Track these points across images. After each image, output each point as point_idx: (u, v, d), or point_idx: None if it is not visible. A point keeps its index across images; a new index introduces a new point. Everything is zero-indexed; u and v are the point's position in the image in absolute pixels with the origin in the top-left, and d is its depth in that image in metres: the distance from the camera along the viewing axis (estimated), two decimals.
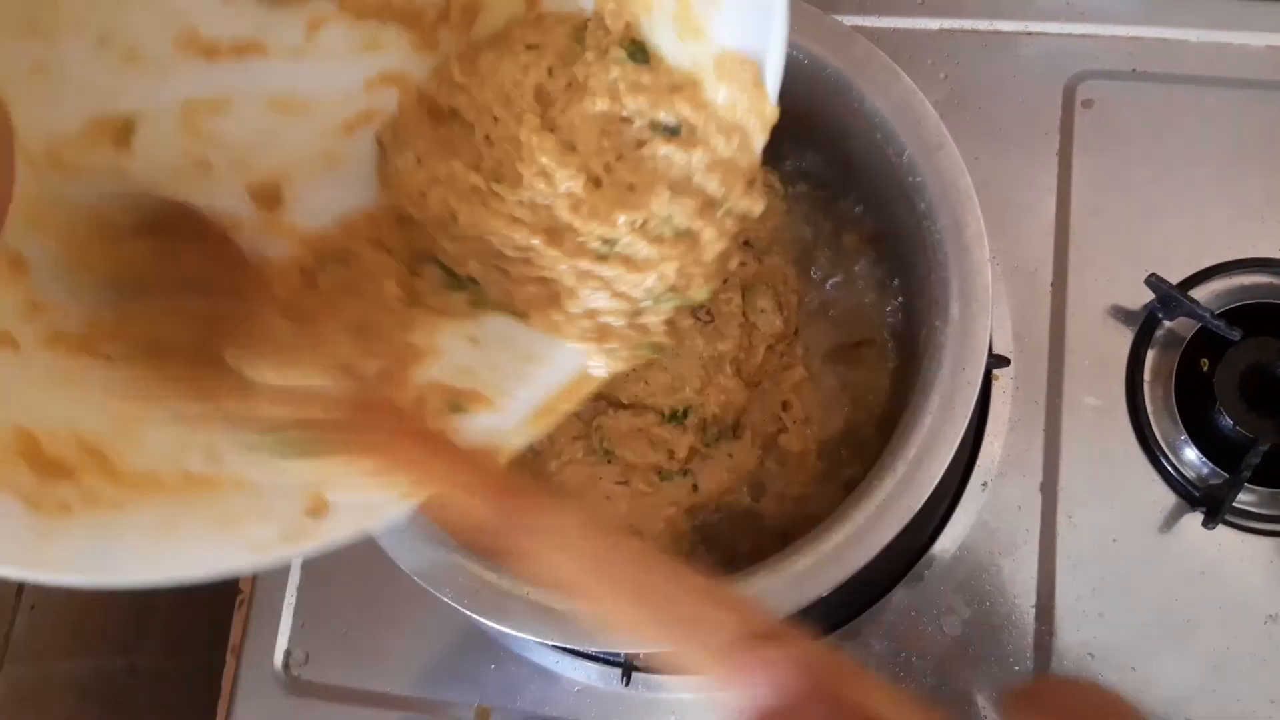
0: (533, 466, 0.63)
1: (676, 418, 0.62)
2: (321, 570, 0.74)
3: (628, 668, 0.67)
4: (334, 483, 0.42)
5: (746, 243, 0.68)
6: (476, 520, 0.41)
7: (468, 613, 0.53)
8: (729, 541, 0.63)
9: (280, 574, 0.75)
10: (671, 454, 0.62)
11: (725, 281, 0.63)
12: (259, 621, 0.74)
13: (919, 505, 0.53)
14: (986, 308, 0.54)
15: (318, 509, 0.42)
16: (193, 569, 0.41)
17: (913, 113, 0.57)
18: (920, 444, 0.53)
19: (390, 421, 0.45)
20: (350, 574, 0.73)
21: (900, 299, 0.65)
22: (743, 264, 0.67)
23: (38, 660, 0.73)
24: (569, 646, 0.61)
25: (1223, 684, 0.64)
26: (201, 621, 0.86)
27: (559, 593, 0.43)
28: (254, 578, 0.76)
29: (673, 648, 0.38)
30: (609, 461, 0.62)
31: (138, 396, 0.43)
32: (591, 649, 0.52)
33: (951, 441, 0.53)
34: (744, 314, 0.63)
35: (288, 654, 0.73)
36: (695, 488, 0.63)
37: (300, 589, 0.74)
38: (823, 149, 0.65)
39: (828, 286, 0.68)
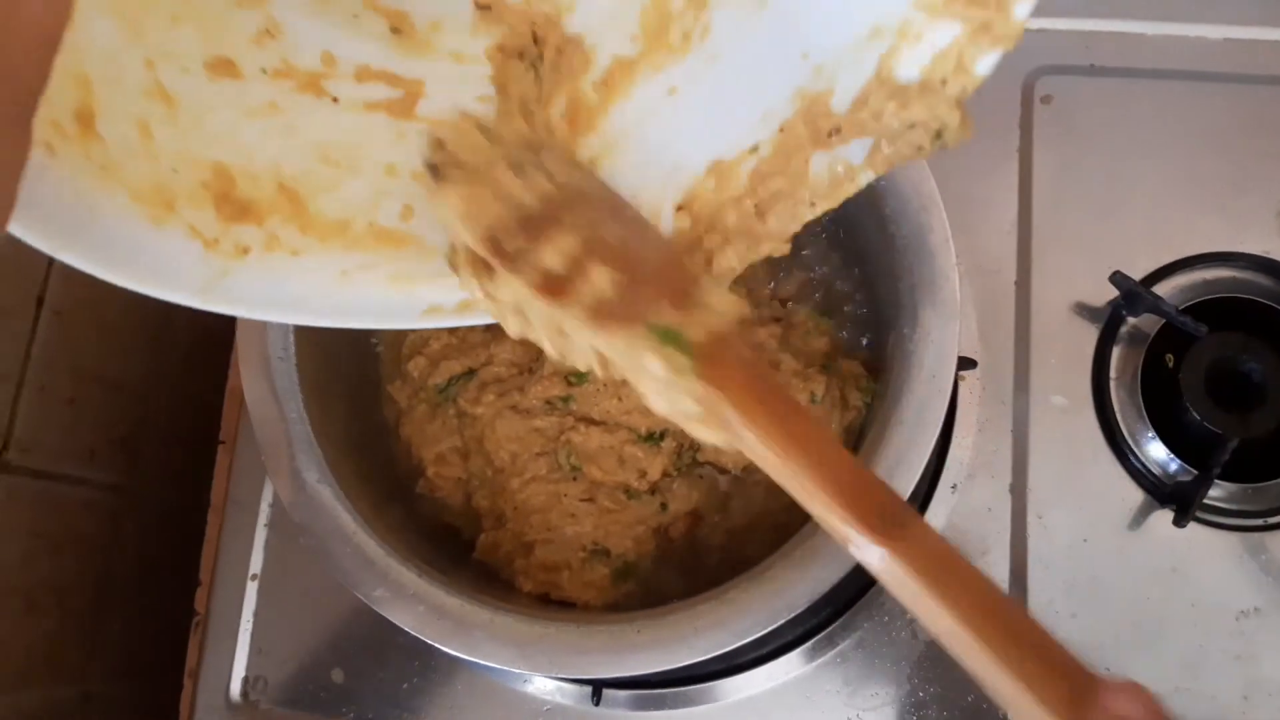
0: (494, 484, 0.61)
1: (653, 439, 0.60)
2: (277, 594, 0.72)
3: (598, 685, 0.65)
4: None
5: None
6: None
7: (430, 641, 0.51)
8: (699, 559, 0.61)
9: (235, 598, 0.72)
10: (643, 474, 0.60)
11: None
12: (215, 645, 0.72)
13: None
14: (955, 314, 0.53)
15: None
16: (361, 319, 0.43)
17: None
18: (892, 454, 0.52)
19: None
20: (307, 597, 0.71)
21: (866, 307, 0.64)
22: None
23: None
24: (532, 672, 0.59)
25: (1196, 681, 0.64)
26: (154, 645, 0.83)
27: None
28: (208, 600, 0.73)
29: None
30: (574, 479, 0.60)
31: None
32: (556, 675, 0.50)
33: (923, 452, 0.52)
34: None
35: (245, 681, 0.71)
36: (664, 507, 0.61)
37: (256, 614, 0.72)
38: None
39: (792, 297, 0.67)
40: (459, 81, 0.47)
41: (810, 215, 0.43)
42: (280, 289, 0.42)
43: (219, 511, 0.76)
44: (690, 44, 0.44)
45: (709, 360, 0.41)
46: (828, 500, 0.39)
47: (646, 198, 0.45)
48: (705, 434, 0.42)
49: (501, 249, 0.42)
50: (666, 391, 0.41)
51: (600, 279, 0.42)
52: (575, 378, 0.61)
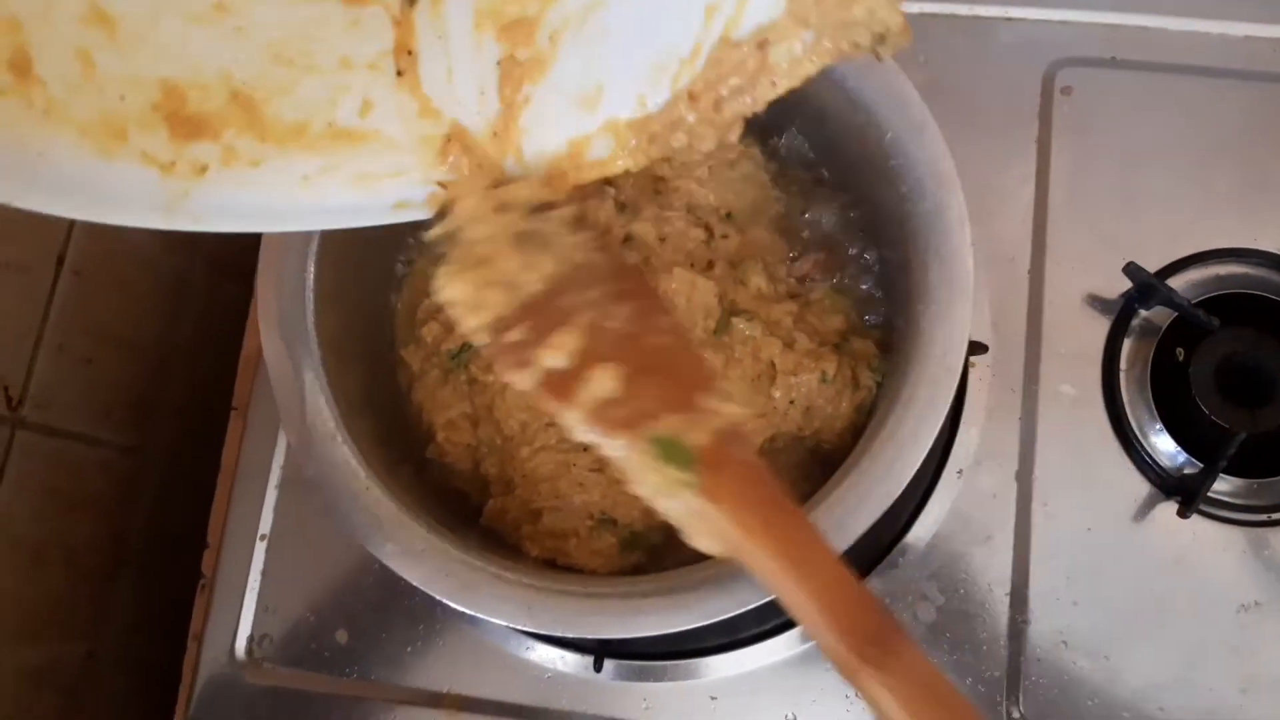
0: (503, 452, 0.61)
1: None
2: (285, 555, 0.73)
3: (599, 654, 0.66)
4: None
5: (728, 215, 0.66)
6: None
7: (437, 596, 0.52)
8: None
9: (243, 559, 0.73)
10: None
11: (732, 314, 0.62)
12: (221, 606, 0.73)
13: (898, 492, 0.52)
14: (968, 293, 0.53)
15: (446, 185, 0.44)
16: (330, 220, 0.43)
17: (896, 95, 0.56)
18: (900, 430, 0.52)
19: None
20: (314, 558, 0.72)
21: (881, 286, 0.65)
22: (724, 236, 0.66)
23: None
24: (538, 632, 0.59)
25: (1195, 673, 0.65)
26: (163, 606, 0.84)
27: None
28: (216, 561, 0.74)
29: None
30: (584, 448, 0.60)
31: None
32: (562, 634, 0.51)
33: (932, 428, 0.52)
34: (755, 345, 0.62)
35: (250, 639, 0.72)
36: None
37: (264, 573, 0.72)
38: (805, 129, 0.65)
39: (809, 274, 0.67)
40: None
41: (773, 94, 0.44)
42: (244, 200, 0.42)
43: (229, 476, 0.77)
44: None
45: (709, 470, 0.42)
46: (823, 624, 0.40)
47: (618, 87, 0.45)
48: (703, 543, 0.43)
49: (507, 342, 0.43)
50: (663, 498, 0.43)
51: (603, 382, 0.43)
52: None
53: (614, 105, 0.45)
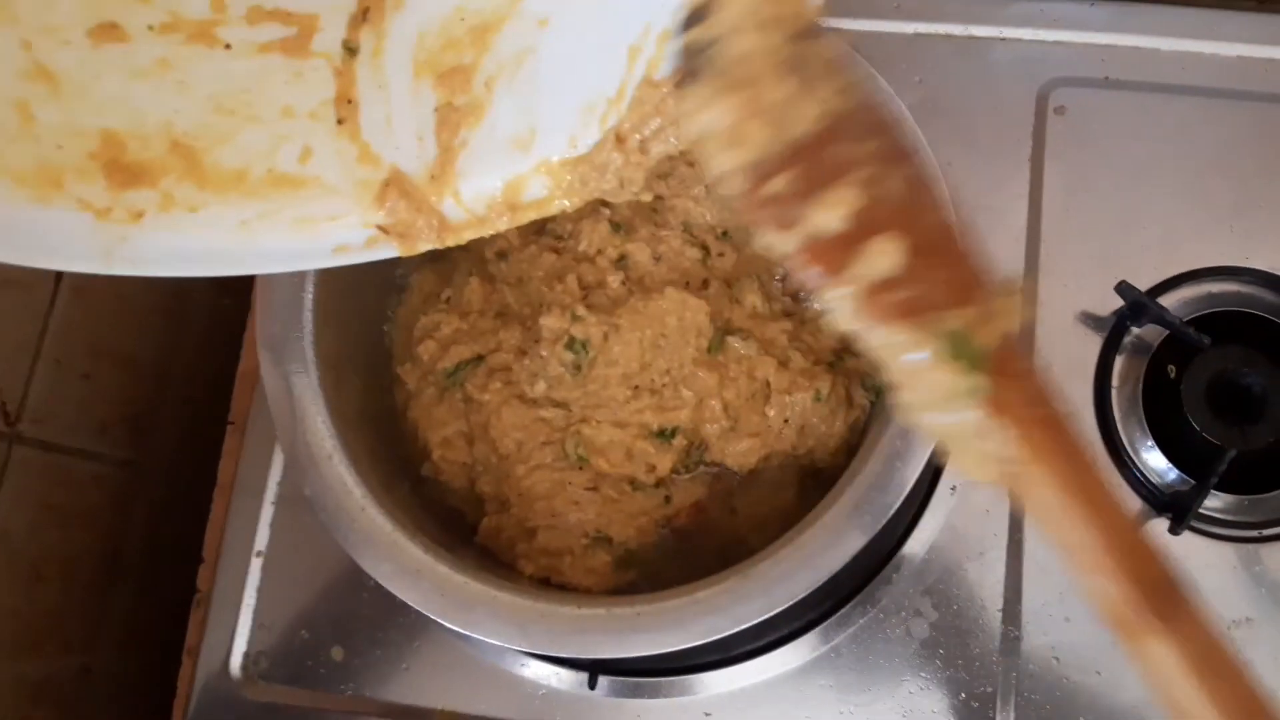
0: (497, 470, 0.62)
1: (664, 435, 0.61)
2: (281, 571, 0.73)
3: (594, 671, 0.66)
4: None
5: (724, 233, 0.67)
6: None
7: (432, 616, 0.52)
8: (700, 551, 0.62)
9: (239, 574, 0.73)
10: (651, 468, 0.61)
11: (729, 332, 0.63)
12: (217, 622, 0.73)
13: (892, 511, 0.52)
14: None
15: (388, 227, 0.44)
16: (269, 264, 0.44)
17: (888, 117, 0.57)
18: (894, 449, 0.53)
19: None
20: (310, 575, 0.72)
21: None
22: (720, 254, 0.66)
23: None
24: (536, 652, 0.60)
25: None
26: (158, 620, 0.84)
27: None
28: (213, 577, 0.74)
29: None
30: (580, 468, 0.61)
31: None
32: (556, 654, 0.51)
33: (925, 448, 0.52)
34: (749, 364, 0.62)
35: (246, 656, 0.72)
36: (668, 499, 0.62)
37: (259, 590, 0.72)
38: None
39: (803, 292, 0.67)
40: (352, 10, 0.47)
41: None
42: (181, 245, 0.42)
43: (226, 491, 0.77)
44: None
45: (1001, 377, 0.37)
46: (1111, 568, 0.36)
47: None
48: (971, 465, 0.38)
49: (768, 193, 0.37)
50: (940, 408, 0.37)
51: (885, 255, 0.36)
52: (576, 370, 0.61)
53: (547, 147, 0.46)
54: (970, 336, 0.36)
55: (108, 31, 0.41)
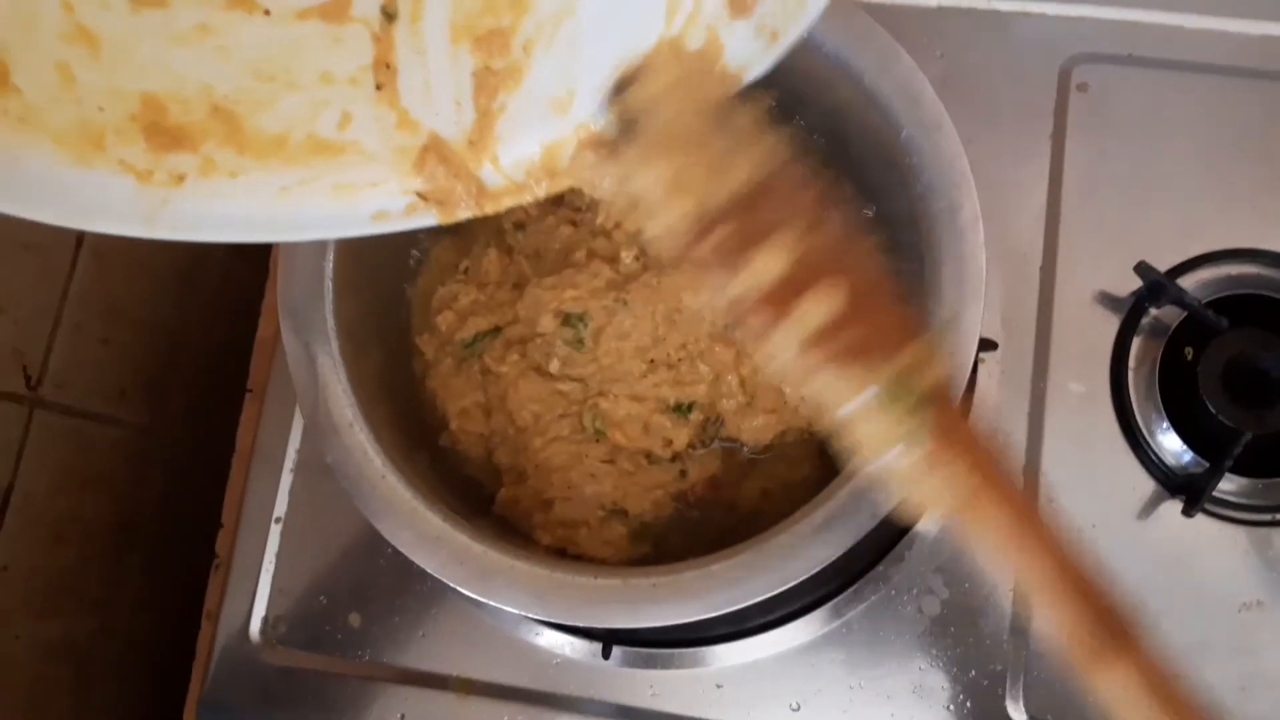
0: (515, 442, 0.62)
1: (681, 410, 0.61)
2: (299, 538, 0.73)
3: (608, 641, 0.67)
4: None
5: None
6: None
7: (451, 584, 0.52)
8: (715, 525, 0.62)
9: (258, 541, 0.74)
10: (668, 443, 0.61)
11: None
12: (236, 587, 0.74)
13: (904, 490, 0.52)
14: (980, 294, 0.54)
15: (428, 194, 0.44)
16: (309, 231, 0.44)
17: (912, 92, 0.56)
18: None
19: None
20: (328, 542, 0.73)
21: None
22: None
23: (5, 622, 0.73)
24: (552, 621, 0.60)
25: (1195, 671, 0.65)
26: (174, 584, 0.85)
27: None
28: (232, 543, 0.75)
29: None
30: (597, 441, 0.61)
31: None
32: (573, 623, 0.52)
33: None
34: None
35: (265, 621, 0.73)
36: (683, 474, 0.62)
37: (278, 556, 0.73)
38: (820, 124, 0.65)
39: None
40: None
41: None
42: (222, 211, 0.42)
43: (244, 458, 0.77)
44: None
45: (941, 415, 0.38)
46: (1062, 596, 0.37)
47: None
48: (921, 499, 0.39)
49: (711, 243, 0.38)
50: (885, 446, 0.39)
51: (829, 299, 0.38)
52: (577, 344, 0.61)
53: (586, 109, 0.46)
54: (909, 379, 0.38)
55: None
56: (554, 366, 0.61)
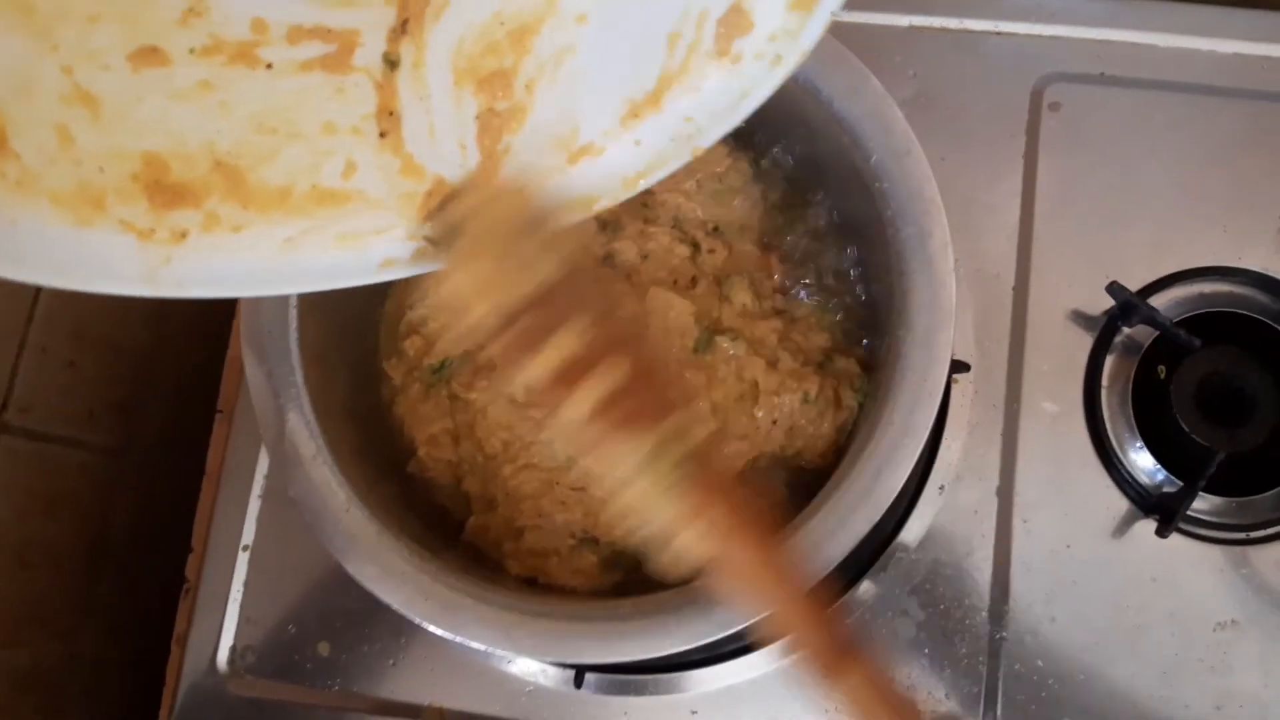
0: (484, 469, 0.61)
1: None
2: (268, 565, 0.72)
3: (580, 669, 0.66)
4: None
5: (716, 229, 0.66)
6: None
7: (417, 620, 0.52)
8: None
9: (225, 568, 0.73)
10: None
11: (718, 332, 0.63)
12: (203, 616, 0.73)
13: (878, 516, 0.52)
14: (949, 320, 0.53)
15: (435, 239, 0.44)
16: (315, 283, 0.44)
17: (881, 117, 0.56)
18: (879, 457, 0.53)
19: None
20: (297, 570, 0.72)
21: (866, 306, 0.65)
22: (711, 251, 0.66)
23: None
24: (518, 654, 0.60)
25: (1171, 690, 0.65)
26: (145, 608, 0.84)
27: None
28: (200, 567, 0.74)
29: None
30: (567, 468, 0.60)
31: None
32: (542, 659, 0.51)
33: (912, 454, 0.52)
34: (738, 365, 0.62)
35: (233, 650, 0.72)
36: None
37: (246, 584, 0.72)
38: (792, 147, 0.64)
39: (792, 290, 0.67)
40: (391, 23, 0.46)
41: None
42: (226, 266, 0.42)
43: (214, 480, 0.76)
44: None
45: (700, 477, 0.43)
46: (807, 631, 0.45)
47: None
48: (677, 557, 0.44)
49: (517, 329, 0.42)
50: (648, 504, 0.43)
51: (612, 373, 0.42)
52: None
53: (590, 138, 0.46)
54: (675, 441, 0.43)
55: (149, 56, 0.41)
56: (519, 391, 0.60)
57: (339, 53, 0.45)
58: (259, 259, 0.42)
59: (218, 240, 0.42)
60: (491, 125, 0.45)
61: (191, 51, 0.41)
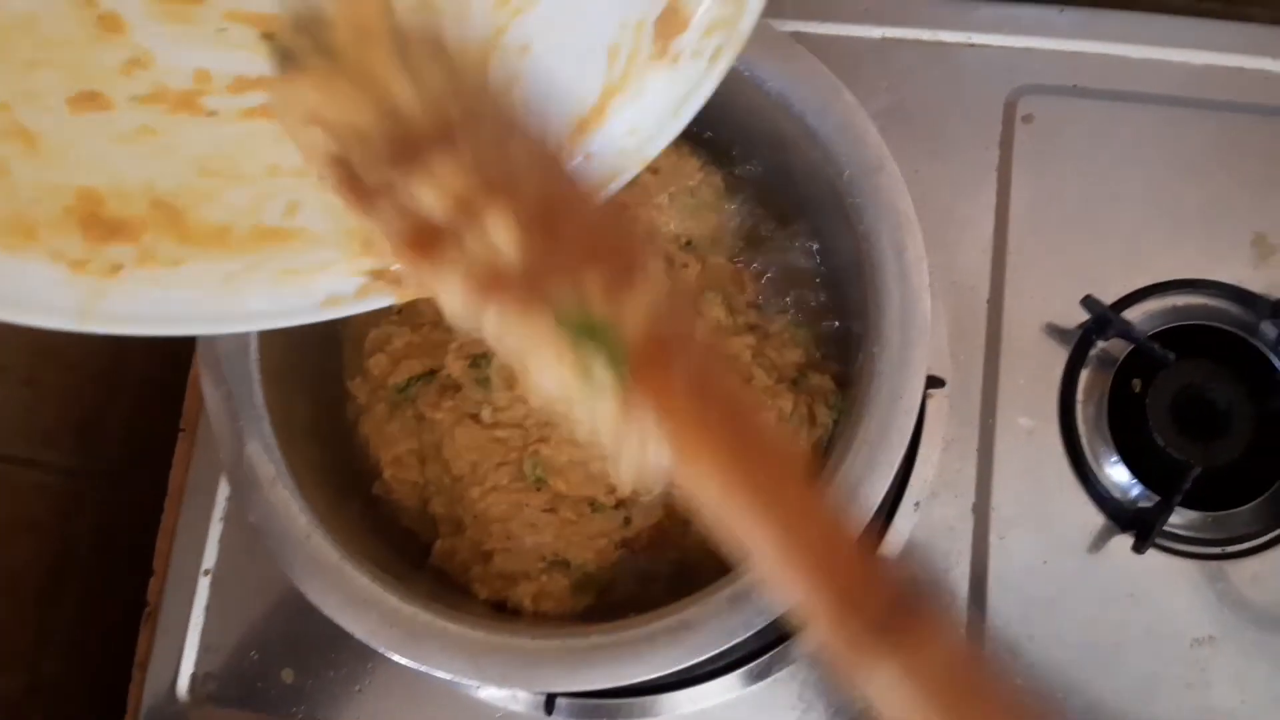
0: (451, 491, 0.60)
1: None
2: (229, 590, 0.71)
3: (551, 696, 0.65)
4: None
5: (689, 243, 0.65)
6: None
7: (381, 650, 0.50)
8: (660, 574, 0.61)
9: (186, 594, 0.71)
10: (611, 490, 0.59)
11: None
12: (165, 640, 0.71)
13: (854, 536, 0.51)
14: (925, 336, 0.53)
15: (381, 273, 0.43)
16: (256, 322, 0.42)
17: (854, 132, 0.55)
18: (854, 475, 0.52)
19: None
20: (260, 594, 0.70)
21: (838, 321, 0.64)
22: (684, 265, 0.65)
23: None
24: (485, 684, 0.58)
25: (1149, 706, 0.64)
26: (106, 632, 0.82)
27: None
28: (160, 591, 0.72)
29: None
30: (538, 489, 0.59)
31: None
32: (510, 688, 0.50)
33: (886, 473, 0.51)
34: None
35: (194, 678, 0.70)
36: (628, 521, 0.60)
37: (207, 609, 0.70)
38: (766, 162, 0.64)
39: (765, 306, 0.66)
40: None
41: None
42: (163, 302, 0.41)
43: (176, 500, 0.75)
44: None
45: (643, 363, 0.31)
46: (812, 581, 0.29)
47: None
48: (629, 468, 0.32)
49: (355, 179, 0.35)
50: (574, 404, 0.32)
51: (495, 229, 0.31)
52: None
53: None
54: (600, 318, 0.31)
55: (89, 100, 0.40)
56: (485, 415, 0.59)
57: None
58: (198, 296, 0.41)
59: (155, 275, 0.40)
60: None
61: (134, 99, 0.40)
